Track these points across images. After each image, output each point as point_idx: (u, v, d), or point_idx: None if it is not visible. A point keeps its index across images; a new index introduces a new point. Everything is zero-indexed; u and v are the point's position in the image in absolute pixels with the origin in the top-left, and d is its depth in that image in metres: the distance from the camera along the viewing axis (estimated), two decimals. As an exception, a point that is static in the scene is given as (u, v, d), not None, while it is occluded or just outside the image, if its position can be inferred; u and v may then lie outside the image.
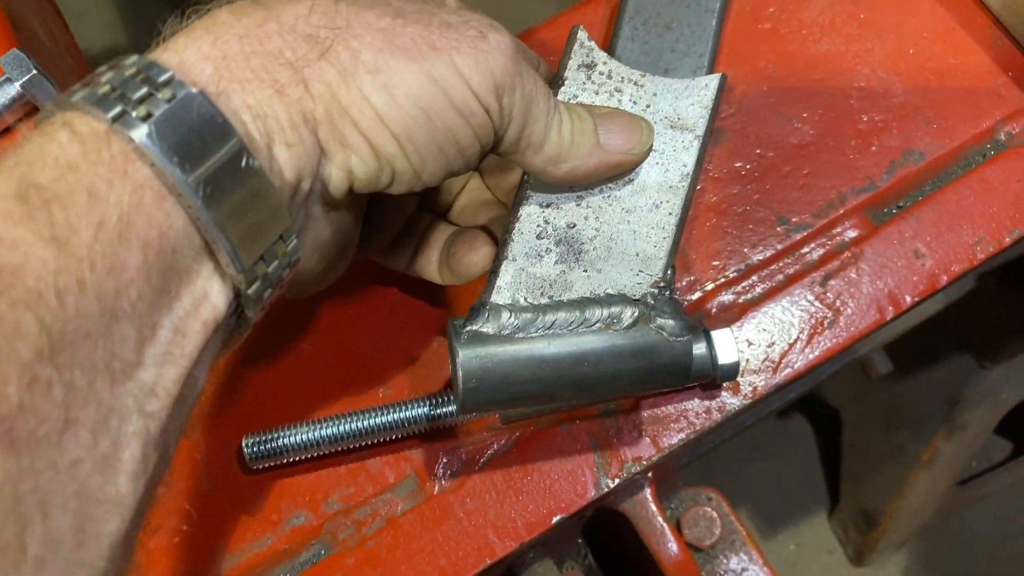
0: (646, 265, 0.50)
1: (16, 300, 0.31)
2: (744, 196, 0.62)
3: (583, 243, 0.50)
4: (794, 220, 0.61)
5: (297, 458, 0.55)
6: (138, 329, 0.34)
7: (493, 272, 0.49)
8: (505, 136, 0.44)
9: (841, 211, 0.61)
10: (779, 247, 0.61)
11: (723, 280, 0.60)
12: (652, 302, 0.49)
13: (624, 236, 0.50)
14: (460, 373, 0.47)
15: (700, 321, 0.57)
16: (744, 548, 0.70)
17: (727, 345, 0.54)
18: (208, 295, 0.37)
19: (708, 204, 0.62)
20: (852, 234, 0.61)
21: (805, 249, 0.61)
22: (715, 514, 0.70)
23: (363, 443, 0.55)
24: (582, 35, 0.53)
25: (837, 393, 1.46)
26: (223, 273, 0.37)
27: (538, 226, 0.50)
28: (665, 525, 0.64)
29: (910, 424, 1.31)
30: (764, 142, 0.63)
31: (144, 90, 0.35)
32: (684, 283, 0.60)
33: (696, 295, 0.60)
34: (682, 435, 0.57)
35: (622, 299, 0.49)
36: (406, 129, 0.40)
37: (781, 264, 0.61)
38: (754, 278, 0.60)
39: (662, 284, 0.50)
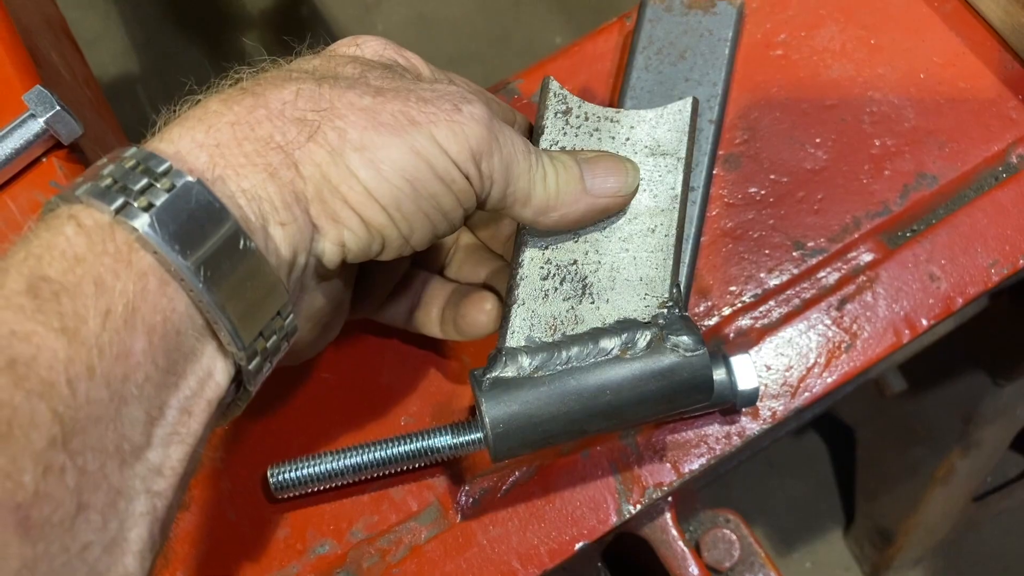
0: (651, 288, 0.51)
1: (31, 391, 0.32)
2: (759, 221, 0.63)
3: (587, 276, 0.51)
4: (809, 245, 0.62)
5: (321, 487, 0.56)
6: (147, 411, 0.35)
7: (504, 318, 0.51)
8: (490, 196, 0.46)
9: (856, 235, 0.62)
10: (795, 272, 0.62)
11: (740, 305, 0.61)
12: (663, 322, 0.50)
13: (625, 264, 0.51)
14: (487, 420, 0.48)
15: (719, 347, 0.58)
16: (763, 570, 0.70)
17: (747, 371, 0.55)
18: (212, 374, 0.38)
19: (724, 230, 0.62)
20: (867, 258, 0.61)
21: (821, 273, 0.61)
22: (734, 536, 0.70)
23: (386, 472, 0.56)
24: (554, 85, 0.55)
25: (852, 411, 1.46)
26: (225, 351, 0.38)
27: (541, 267, 0.51)
28: (686, 549, 0.64)
29: (925, 441, 1.31)
30: (778, 168, 0.64)
31: (144, 181, 0.37)
32: (701, 308, 0.61)
33: (714, 320, 0.61)
34: (702, 460, 0.58)
35: (634, 324, 0.50)
36: (394, 200, 0.42)
37: (797, 289, 0.61)
38: (771, 303, 0.61)
39: (669, 303, 0.51)
